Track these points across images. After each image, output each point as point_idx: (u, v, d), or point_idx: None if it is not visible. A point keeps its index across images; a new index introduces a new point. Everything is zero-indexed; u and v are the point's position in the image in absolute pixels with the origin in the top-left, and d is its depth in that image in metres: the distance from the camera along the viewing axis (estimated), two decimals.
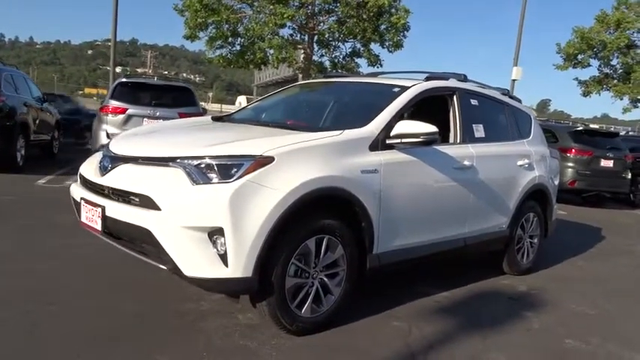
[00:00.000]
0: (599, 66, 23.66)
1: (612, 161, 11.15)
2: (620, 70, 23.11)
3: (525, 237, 5.14)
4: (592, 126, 13.43)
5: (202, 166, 2.92)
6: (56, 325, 3.06)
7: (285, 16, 15.66)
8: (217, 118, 4.57)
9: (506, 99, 5.22)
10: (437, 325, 3.60)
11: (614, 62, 23.29)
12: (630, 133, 18.39)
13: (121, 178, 3.15)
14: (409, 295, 4.13)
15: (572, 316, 4.11)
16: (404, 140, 3.57)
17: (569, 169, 10.59)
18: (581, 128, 11.69)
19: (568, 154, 10.64)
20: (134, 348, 2.89)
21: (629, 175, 11.50)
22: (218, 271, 2.84)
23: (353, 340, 3.25)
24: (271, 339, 3.13)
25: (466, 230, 4.34)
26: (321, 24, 17.70)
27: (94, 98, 48.59)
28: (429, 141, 3.59)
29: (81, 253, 4.46)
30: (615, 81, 23.24)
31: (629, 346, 3.60)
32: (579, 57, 23.08)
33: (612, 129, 17.14)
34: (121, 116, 8.76)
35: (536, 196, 5.19)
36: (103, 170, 3.28)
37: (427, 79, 4.37)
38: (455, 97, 4.39)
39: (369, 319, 3.58)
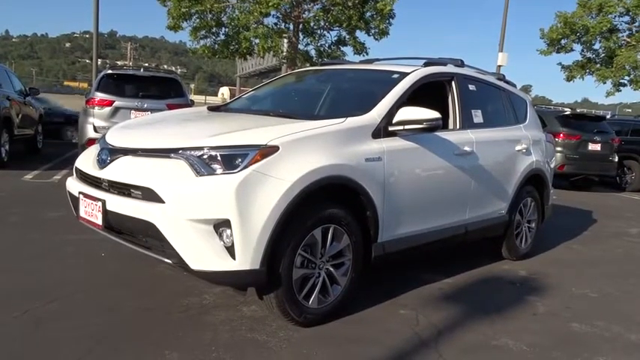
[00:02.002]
0: (582, 50, 23.79)
1: (600, 145, 11.26)
2: (603, 55, 23.23)
3: (524, 222, 5.15)
4: (578, 110, 13.48)
5: (206, 156, 2.85)
6: (59, 324, 2.98)
7: (269, 4, 15.45)
8: (214, 108, 4.48)
9: (502, 84, 5.20)
10: (443, 313, 3.58)
11: (596, 47, 23.42)
12: (615, 116, 18.55)
13: (121, 170, 3.06)
14: (412, 282, 4.11)
15: (575, 300, 4.12)
16: (407, 127, 3.53)
17: (558, 154, 10.62)
18: (568, 112, 11.76)
19: (556, 139, 10.69)
20: (142, 344, 2.82)
21: (616, 159, 11.62)
22: (225, 264, 2.79)
23: (361, 330, 3.22)
24: (279, 331, 3.09)
25: (467, 216, 4.33)
26: (306, 12, 17.53)
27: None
28: (432, 127, 3.55)
29: (76, 248, 4.37)
30: (598, 65, 23.40)
31: (635, 328, 3.62)
32: (562, 42, 23.16)
33: (592, 112, 17.25)
34: (108, 109, 8.58)
35: (534, 180, 5.19)
36: (102, 163, 3.19)
37: (425, 64, 4.32)
38: (453, 83, 4.35)
39: (375, 309, 3.55)
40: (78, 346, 2.74)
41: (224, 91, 68.32)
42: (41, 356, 2.65)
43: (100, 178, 3.16)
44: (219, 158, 2.83)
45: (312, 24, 17.62)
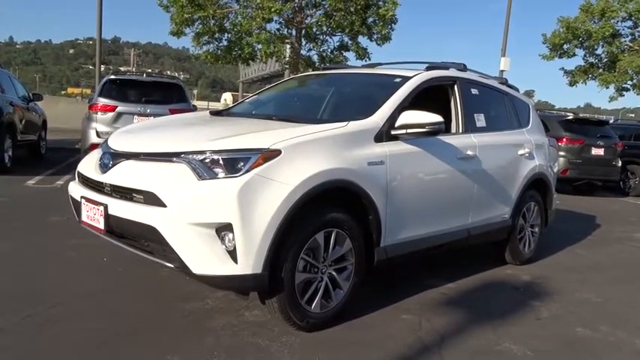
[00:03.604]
0: (585, 55, 23.77)
1: (603, 149, 11.22)
2: (606, 59, 23.22)
3: (527, 226, 5.13)
4: (581, 115, 13.45)
5: (208, 160, 2.85)
6: (60, 329, 2.97)
7: (272, 10, 15.47)
8: (216, 113, 4.49)
9: (505, 88, 5.20)
10: (446, 317, 3.56)
11: (599, 51, 23.40)
12: (618, 121, 18.54)
13: (123, 174, 3.06)
14: (415, 287, 4.09)
15: (579, 304, 4.09)
16: (409, 131, 3.52)
17: (561, 158, 10.60)
18: (571, 117, 11.73)
19: (559, 143, 10.65)
20: (144, 349, 2.81)
21: (620, 163, 11.58)
22: (227, 268, 2.78)
23: (364, 334, 3.20)
24: (281, 336, 3.07)
25: (470, 220, 4.31)
26: (309, 18, 17.55)
27: (77, 98, 47.88)
28: (434, 131, 3.54)
29: (78, 253, 4.37)
30: (601, 70, 23.39)
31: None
32: (565, 47, 23.14)
33: (595, 117, 17.21)
34: (111, 114, 8.60)
35: (537, 185, 5.18)
36: (104, 167, 3.19)
37: (428, 68, 4.32)
38: (456, 87, 4.35)
39: (377, 313, 3.53)
40: (79, 351, 2.73)
41: (227, 97, 68.45)
42: None
43: (102, 183, 3.16)
44: (221, 162, 2.83)
45: (314, 29, 17.62)
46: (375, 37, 17.47)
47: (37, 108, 11.08)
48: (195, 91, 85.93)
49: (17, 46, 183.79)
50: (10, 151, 8.68)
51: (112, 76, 9.33)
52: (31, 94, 10.93)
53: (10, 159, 8.67)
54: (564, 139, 10.87)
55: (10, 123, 8.65)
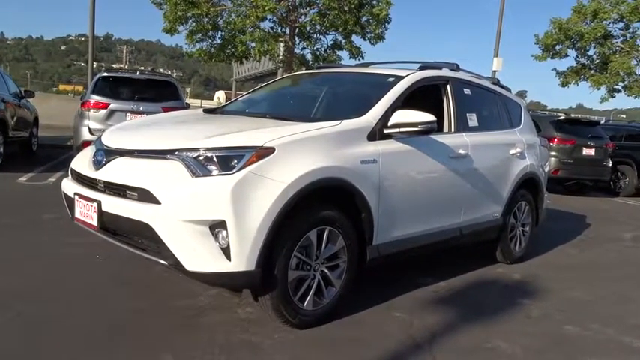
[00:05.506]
0: (577, 56, 23.91)
1: (594, 150, 11.31)
2: (597, 61, 23.38)
3: (518, 225, 5.18)
4: (572, 115, 13.55)
5: (202, 158, 2.86)
6: (53, 326, 2.97)
7: (266, 8, 15.46)
8: (210, 111, 4.49)
9: (497, 88, 5.24)
10: (437, 315, 3.60)
11: (590, 53, 23.56)
12: (610, 122, 18.71)
13: (116, 171, 3.07)
14: (407, 285, 4.12)
15: (569, 302, 4.14)
16: (402, 130, 3.55)
17: (552, 158, 10.67)
18: (563, 117, 11.81)
19: (551, 144, 10.73)
20: (137, 346, 2.82)
21: (610, 164, 11.68)
22: (221, 265, 2.79)
23: (356, 332, 3.22)
24: (273, 333, 3.09)
25: (462, 219, 4.34)
26: (302, 16, 17.54)
27: (70, 95, 47.58)
28: (426, 130, 3.57)
29: (70, 250, 4.36)
30: (592, 71, 23.54)
31: (628, 331, 3.64)
32: (557, 48, 23.28)
33: (586, 118, 17.33)
34: (104, 111, 8.57)
35: (528, 184, 5.22)
36: (98, 164, 3.19)
37: (421, 68, 4.35)
38: (449, 87, 4.38)
39: (369, 311, 3.55)
40: (72, 349, 2.73)
41: (220, 95, 68.18)
42: (35, 358, 2.64)
43: (95, 179, 3.16)
44: (215, 159, 2.84)
45: (308, 28, 17.61)
46: (368, 36, 17.49)
47: (29, 105, 11.02)
48: (188, 89, 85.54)
49: (8, 42, 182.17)
50: (2, 148, 8.62)
51: (105, 74, 9.30)
52: (22, 91, 10.87)
53: (2, 156, 8.61)
54: (556, 140, 10.95)
55: (1, 120, 8.60)
